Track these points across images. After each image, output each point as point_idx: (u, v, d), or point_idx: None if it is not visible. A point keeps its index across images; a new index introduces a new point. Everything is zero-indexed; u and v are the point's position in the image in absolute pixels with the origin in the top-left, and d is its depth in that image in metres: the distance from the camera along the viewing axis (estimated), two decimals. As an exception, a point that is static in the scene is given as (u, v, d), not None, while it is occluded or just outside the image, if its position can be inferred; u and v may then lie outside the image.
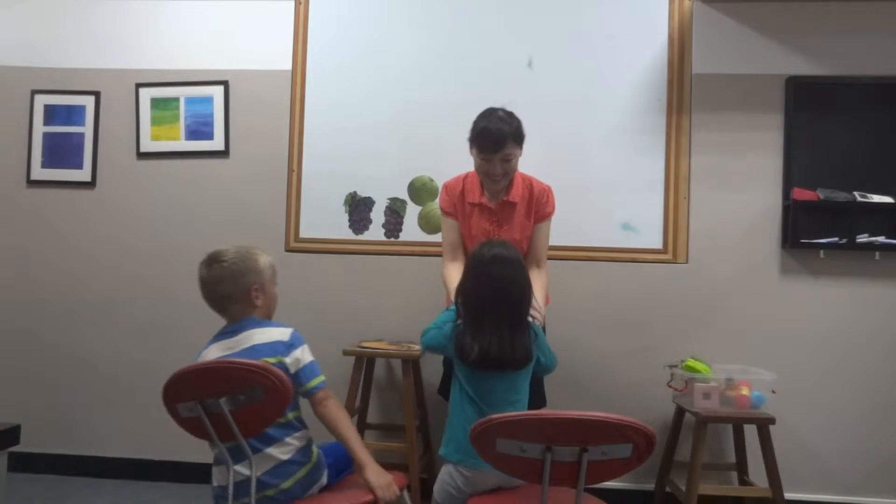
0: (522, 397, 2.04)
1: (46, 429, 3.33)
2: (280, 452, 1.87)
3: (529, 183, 2.58)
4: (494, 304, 1.99)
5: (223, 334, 1.97)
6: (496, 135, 2.39)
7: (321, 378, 1.92)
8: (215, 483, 1.93)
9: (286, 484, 1.86)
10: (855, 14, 3.11)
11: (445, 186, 2.69)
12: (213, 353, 1.93)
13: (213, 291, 1.96)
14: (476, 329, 1.99)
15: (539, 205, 2.56)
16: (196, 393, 1.79)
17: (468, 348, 1.98)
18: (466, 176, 2.64)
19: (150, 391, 3.30)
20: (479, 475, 1.95)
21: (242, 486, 1.82)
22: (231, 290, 1.95)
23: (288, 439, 1.89)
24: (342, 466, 2.02)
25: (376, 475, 1.86)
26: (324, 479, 1.95)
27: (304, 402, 1.97)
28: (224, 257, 1.96)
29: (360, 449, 1.89)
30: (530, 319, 2.12)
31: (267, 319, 2.01)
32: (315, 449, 1.96)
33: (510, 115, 2.48)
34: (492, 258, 2.03)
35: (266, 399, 1.75)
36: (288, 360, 1.88)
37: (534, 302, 2.17)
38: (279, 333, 1.92)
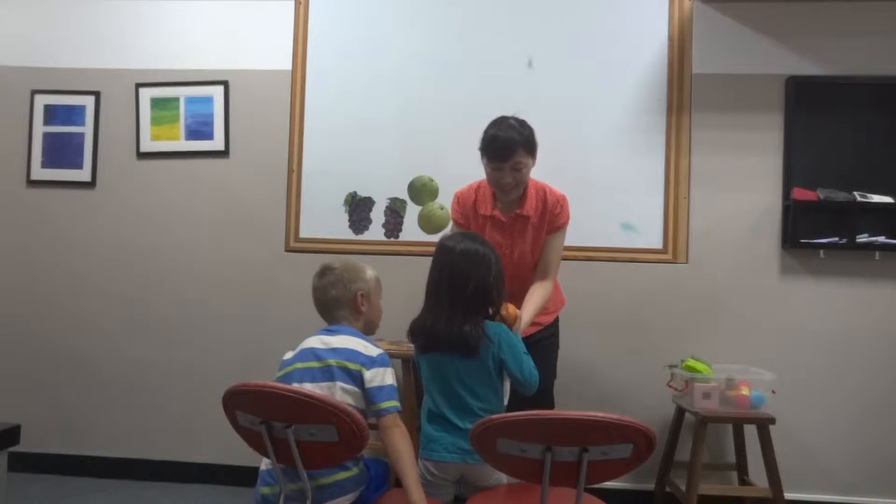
0: (484, 402, 1.98)
1: (46, 429, 3.33)
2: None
3: (543, 193, 2.47)
4: (451, 293, 1.98)
5: (323, 331, 2.03)
6: (505, 142, 2.31)
7: (394, 403, 1.89)
8: (263, 467, 1.92)
9: (317, 483, 1.81)
10: (855, 14, 3.11)
11: (457, 197, 2.59)
12: (310, 342, 1.98)
13: (323, 295, 2.06)
14: (429, 310, 2.02)
15: (552, 216, 2.45)
16: (262, 411, 1.72)
17: (418, 327, 2.01)
18: (479, 186, 2.53)
19: (151, 391, 3.34)
20: (443, 466, 1.96)
21: (270, 478, 1.84)
22: (340, 294, 2.05)
23: None
24: (381, 482, 2.00)
25: None
26: (358, 494, 1.90)
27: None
28: (334, 266, 2.09)
29: (415, 486, 1.82)
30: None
31: (368, 333, 2.08)
32: (361, 464, 1.93)
33: (521, 122, 2.38)
34: (460, 252, 2.01)
35: (340, 441, 1.69)
36: (367, 373, 1.89)
37: (512, 313, 2.15)
38: (371, 349, 1.95)
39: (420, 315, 2.04)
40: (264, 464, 1.91)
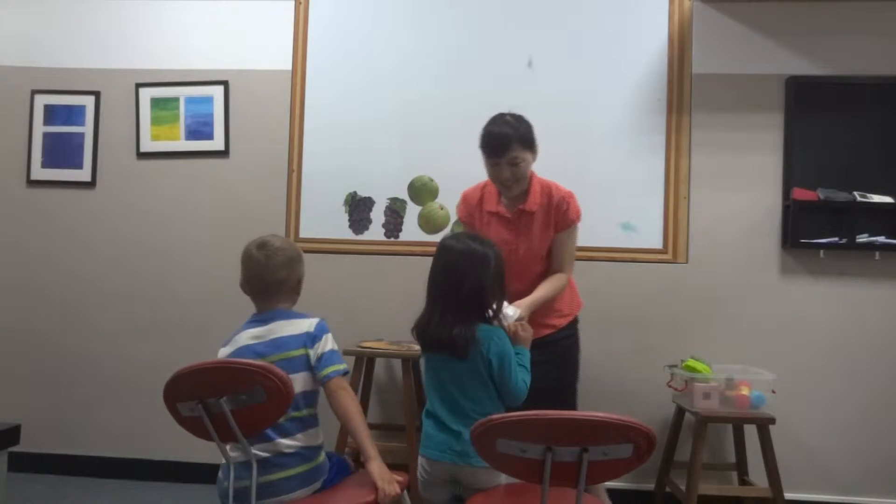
0: (476, 405, 1.96)
1: (46, 429, 3.33)
2: (285, 446, 1.88)
3: (549, 190, 2.46)
4: (445, 293, 1.97)
5: (254, 322, 1.99)
6: (500, 138, 2.35)
7: (338, 367, 1.93)
8: (222, 467, 1.94)
9: (282, 475, 1.86)
10: (855, 14, 3.11)
11: (463, 196, 2.61)
12: (244, 339, 1.96)
13: (271, 276, 1.97)
14: (426, 310, 2.01)
15: (559, 213, 2.43)
16: (197, 392, 1.78)
17: (417, 326, 2.02)
18: (486, 184, 2.54)
19: (150, 391, 3.31)
20: (434, 465, 1.97)
21: (243, 471, 1.85)
22: (287, 276, 1.99)
23: (299, 435, 1.91)
24: (335, 473, 2.02)
25: (380, 469, 1.87)
26: (319, 483, 1.95)
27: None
28: (277, 244, 2.01)
29: (367, 442, 1.90)
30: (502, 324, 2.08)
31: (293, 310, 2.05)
32: (322, 454, 1.97)
33: (518, 118, 2.40)
34: (458, 252, 1.99)
35: (268, 400, 1.75)
36: (311, 351, 1.92)
37: (507, 311, 2.16)
38: (306, 325, 1.95)
39: (420, 314, 2.04)
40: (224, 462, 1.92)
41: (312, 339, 1.93)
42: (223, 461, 1.93)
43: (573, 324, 2.60)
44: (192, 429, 1.86)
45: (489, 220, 2.50)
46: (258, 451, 1.85)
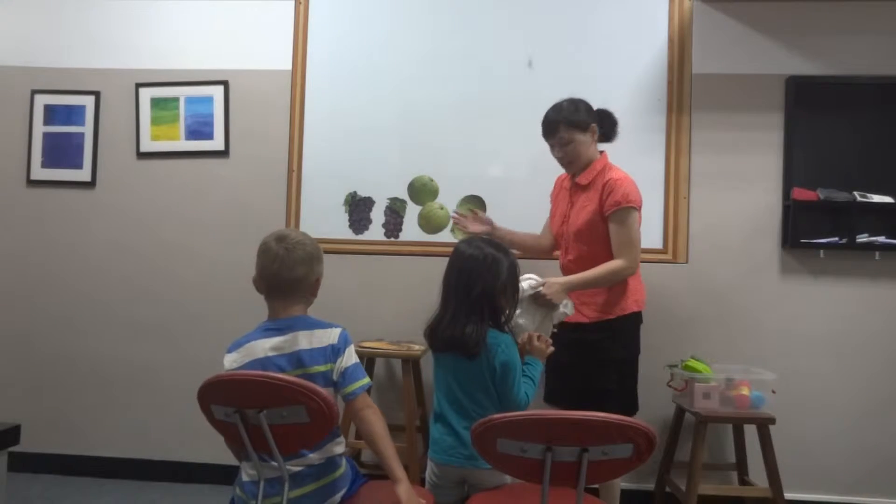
0: (480, 408, 1.95)
1: (46, 429, 3.33)
2: (315, 459, 1.83)
3: (607, 171, 2.54)
4: (457, 295, 2.00)
5: (271, 330, 1.86)
6: (547, 121, 2.57)
7: (362, 382, 1.84)
8: (245, 478, 1.85)
9: (310, 487, 1.82)
10: (855, 14, 3.11)
11: (556, 180, 2.82)
12: (263, 348, 1.83)
13: (288, 271, 1.84)
14: (439, 310, 2.03)
15: (606, 192, 2.47)
16: (236, 400, 1.71)
17: (429, 326, 2.03)
18: None
19: (150, 391, 3.34)
20: (443, 468, 1.99)
21: (270, 487, 1.78)
22: (305, 274, 1.86)
23: (327, 446, 1.85)
24: (352, 480, 1.97)
25: (408, 494, 1.78)
26: (342, 492, 1.88)
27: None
28: (297, 237, 1.89)
29: (396, 464, 1.80)
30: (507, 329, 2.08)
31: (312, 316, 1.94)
32: (345, 461, 1.91)
33: (571, 102, 2.58)
34: (469, 256, 2.01)
35: (311, 421, 1.69)
36: (334, 365, 1.82)
37: (523, 283, 2.19)
38: (328, 337, 1.84)
39: (433, 315, 2.05)
40: (245, 475, 1.85)
41: (336, 352, 1.83)
42: (244, 476, 1.85)
43: (617, 322, 2.55)
44: (224, 431, 1.81)
45: (562, 197, 2.71)
46: (290, 467, 1.78)
